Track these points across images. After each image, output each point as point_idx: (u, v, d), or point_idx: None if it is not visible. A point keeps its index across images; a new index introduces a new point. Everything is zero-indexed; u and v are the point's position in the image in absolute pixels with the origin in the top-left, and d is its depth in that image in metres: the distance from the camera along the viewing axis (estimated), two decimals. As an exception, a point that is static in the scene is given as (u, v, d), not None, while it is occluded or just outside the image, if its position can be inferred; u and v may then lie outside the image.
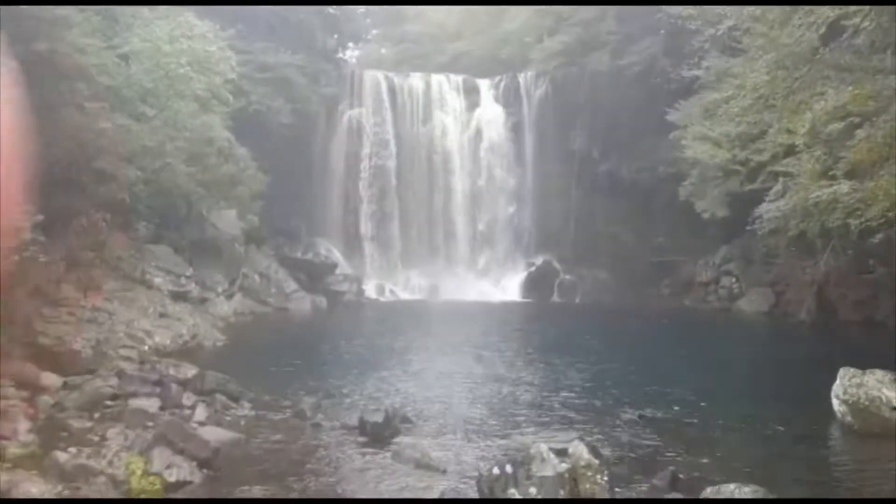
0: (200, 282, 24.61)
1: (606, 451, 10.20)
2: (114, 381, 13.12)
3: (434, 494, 8.80)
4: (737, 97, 21.46)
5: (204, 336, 20.07)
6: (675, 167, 30.09)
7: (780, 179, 22.16)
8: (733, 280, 31.68)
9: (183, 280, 23.47)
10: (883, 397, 11.43)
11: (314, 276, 32.28)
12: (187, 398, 12.49)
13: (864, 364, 12.16)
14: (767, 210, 22.15)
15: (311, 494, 8.88)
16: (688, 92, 29.16)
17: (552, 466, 8.29)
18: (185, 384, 13.33)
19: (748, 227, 24.32)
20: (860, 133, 15.47)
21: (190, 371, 14.26)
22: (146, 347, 17.07)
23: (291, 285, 30.54)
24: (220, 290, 25.68)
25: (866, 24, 14.41)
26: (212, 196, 26.13)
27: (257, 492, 8.85)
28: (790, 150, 20.93)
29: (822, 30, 14.64)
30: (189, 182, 23.72)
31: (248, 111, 30.69)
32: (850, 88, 15.39)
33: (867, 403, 11.55)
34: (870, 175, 15.68)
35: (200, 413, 11.77)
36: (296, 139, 34.68)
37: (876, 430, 11.32)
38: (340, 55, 42.71)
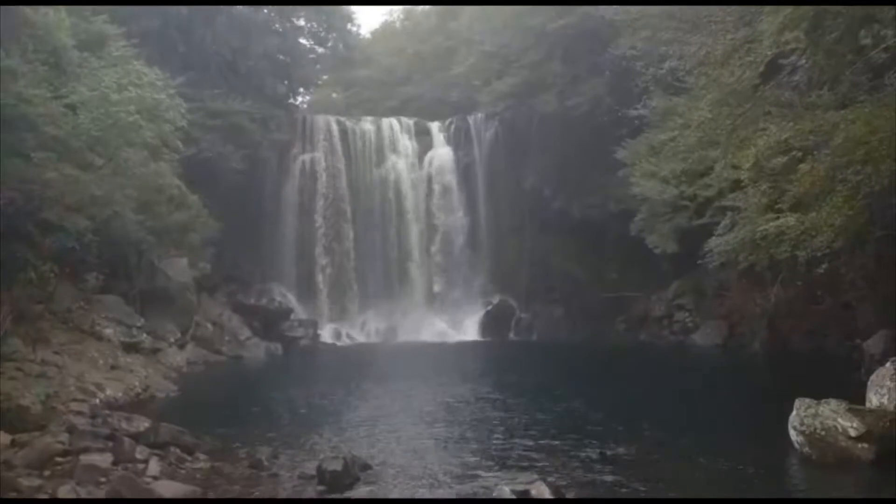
0: (152, 332, 24.11)
1: (570, 492, 10.18)
2: (64, 436, 12.74)
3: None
4: (682, 135, 22.05)
5: (157, 387, 19.67)
6: (624, 204, 30.55)
7: (728, 214, 22.58)
8: (687, 314, 32.11)
9: (134, 330, 22.98)
10: (839, 427, 11.61)
11: (268, 322, 31.87)
12: (140, 452, 12.15)
13: (818, 394, 12.35)
14: (717, 244, 22.55)
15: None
16: (635, 130, 29.76)
17: (516, 509, 8.23)
18: (137, 437, 12.95)
19: (699, 262, 24.73)
20: (803, 167, 15.91)
21: (143, 424, 13.85)
22: (97, 401, 16.67)
23: (245, 332, 30.09)
24: (172, 339, 25.17)
25: (803, 61, 14.98)
26: (162, 244, 25.72)
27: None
28: (736, 185, 21.39)
29: (762, 68, 15.13)
30: (139, 230, 23.31)
31: (199, 158, 30.39)
32: (791, 124, 15.86)
33: (823, 433, 11.72)
34: (814, 207, 16.10)
35: (154, 467, 11.45)
36: (248, 185, 34.47)
37: (833, 460, 11.50)
38: (291, 101, 42.74)
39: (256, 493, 10.79)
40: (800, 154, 16.51)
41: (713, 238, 23.00)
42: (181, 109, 24.12)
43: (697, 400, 18.45)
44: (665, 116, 26.27)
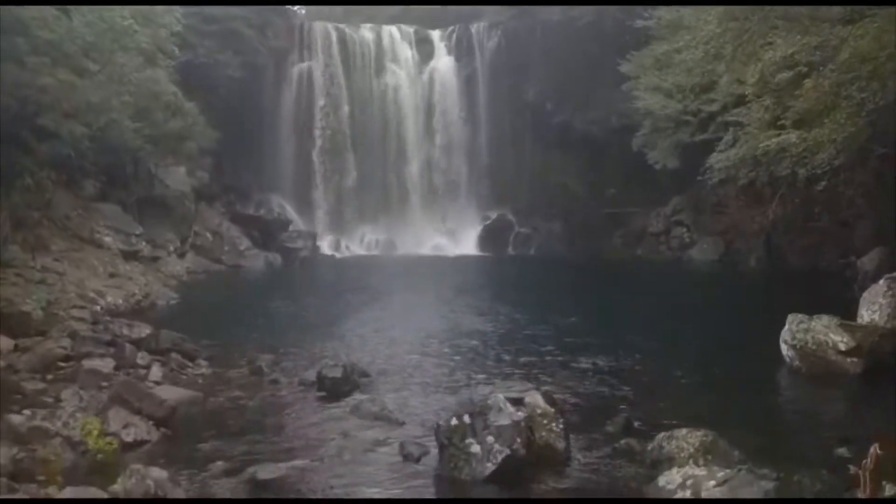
0: (151, 240, 24.22)
1: (562, 400, 10.41)
2: (66, 342, 12.96)
3: (393, 446, 8.92)
4: (688, 48, 21.58)
5: (157, 295, 19.85)
6: (627, 119, 30.18)
7: (731, 129, 22.35)
8: (684, 230, 32.20)
9: (133, 239, 23.07)
10: (829, 341, 11.83)
11: (267, 233, 31.93)
12: (142, 358, 12.38)
13: (811, 310, 12.53)
14: (718, 160, 22.41)
15: (268, 449, 8.90)
16: (640, 43, 29.14)
17: (509, 415, 8.42)
18: (139, 344, 13.18)
19: (699, 178, 24.62)
20: (808, 82, 15.66)
21: (144, 330, 14.09)
22: (98, 307, 16.84)
23: (245, 243, 30.18)
24: (171, 248, 25.30)
25: (815, -27, 14.55)
26: (160, 152, 25.56)
27: (215, 448, 8.86)
28: (740, 101, 21.09)
29: (772, -21, 14.73)
30: (136, 138, 23.11)
31: (195, 64, 29.89)
32: (798, 38, 15.52)
33: (814, 348, 11.94)
34: (816, 124, 15.94)
35: (156, 372, 11.70)
36: (245, 93, 33.94)
37: (822, 373, 11.74)
38: (289, 7, 41.72)
39: (257, 399, 11.05)
40: (805, 69, 16.22)
41: (714, 154, 22.85)
42: (176, 14, 23.59)
43: (692, 314, 18.71)
44: (672, 29, 25.65)
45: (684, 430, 8.28)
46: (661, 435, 8.38)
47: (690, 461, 7.80)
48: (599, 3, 31.62)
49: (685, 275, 28.13)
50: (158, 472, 7.40)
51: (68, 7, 18.45)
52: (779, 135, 17.53)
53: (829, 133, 15.31)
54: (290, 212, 35.78)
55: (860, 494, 5.34)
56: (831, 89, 14.67)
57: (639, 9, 28.40)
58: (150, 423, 9.15)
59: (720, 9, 16.49)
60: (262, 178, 36.28)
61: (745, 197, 26.89)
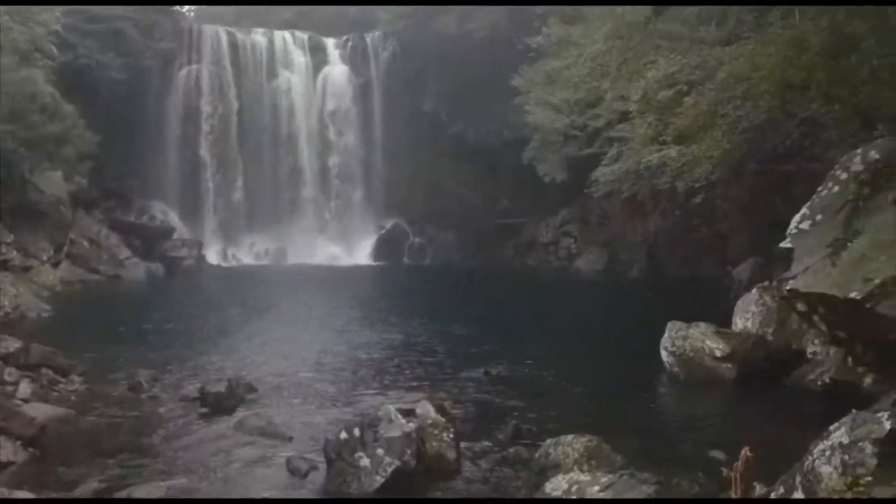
0: (23, 248, 22.88)
1: (454, 409, 10.44)
2: None
3: (279, 461, 8.69)
4: (576, 65, 22.24)
5: (27, 307, 18.74)
6: (518, 132, 30.82)
7: (615, 144, 23.17)
8: (572, 241, 33.14)
9: (3, 247, 21.76)
10: (706, 348, 12.32)
11: (150, 241, 30.76)
12: (10, 374, 11.57)
13: (690, 318, 12.99)
14: (603, 174, 23.17)
15: (145, 469, 8.52)
16: (532, 58, 29.84)
17: (399, 427, 8.37)
18: (6, 359, 12.30)
19: (585, 191, 25.39)
20: (688, 101, 16.37)
21: (12, 345, 13.14)
22: (-38, 320, 15.78)
23: (125, 251, 28.89)
24: (44, 257, 23.96)
25: (693, -3, 15.26)
26: (35, 156, 24.21)
27: (87, 468, 8.42)
28: (624, 117, 21.87)
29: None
30: (9, 141, 21.88)
31: (76, 65, 28.58)
32: (679, 58, 16.25)
33: (692, 354, 12.42)
34: (695, 140, 16.67)
35: (24, 389, 10.99)
36: (129, 96, 32.62)
37: (699, 379, 12.21)
38: (178, 8, 40.50)
39: (135, 416, 10.57)
40: (686, 88, 16.95)
41: (600, 167, 23.62)
42: (56, 12, 22.54)
43: (579, 323, 19.20)
44: (561, 45, 26.40)
45: (570, 437, 8.43)
46: (549, 441, 8.52)
47: (576, 467, 7.94)
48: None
49: (572, 284, 28.89)
50: (24, 495, 6.98)
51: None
52: (660, 150, 18.27)
53: (706, 149, 16.04)
54: (175, 219, 34.61)
55: (732, 496, 5.56)
56: (709, 107, 15.36)
57: (531, 25, 29.06)
58: (17, 443, 8.59)
59: (606, 27, 17.07)
60: (146, 183, 34.87)
61: (628, 209, 27.89)
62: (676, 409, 11.78)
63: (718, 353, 12.18)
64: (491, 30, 33.63)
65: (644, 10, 15.43)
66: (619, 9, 16.05)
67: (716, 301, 17.50)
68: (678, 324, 12.83)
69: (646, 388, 12.39)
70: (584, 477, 7.50)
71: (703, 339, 12.40)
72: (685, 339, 12.55)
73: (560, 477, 7.62)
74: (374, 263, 35.77)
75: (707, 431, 10.17)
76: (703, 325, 12.69)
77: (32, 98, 22.96)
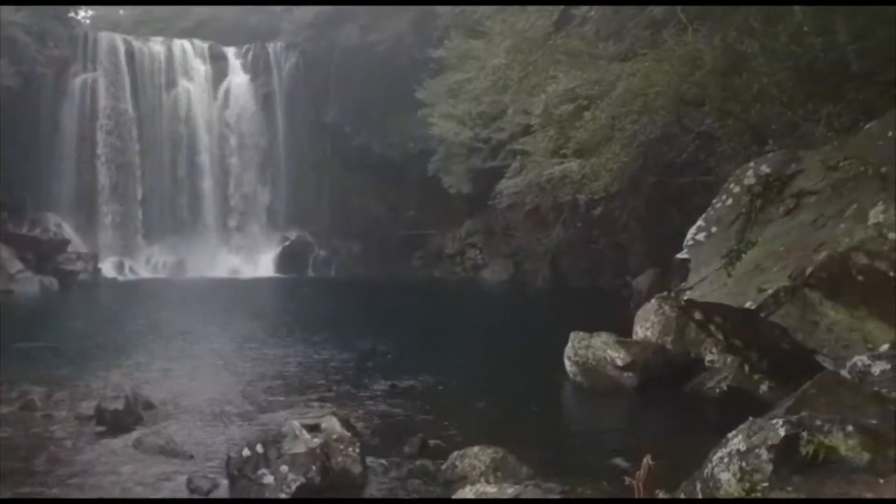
0: None
1: (360, 424, 10.34)
2: None
3: (180, 480, 8.41)
4: (478, 78, 22.57)
5: None
6: (423, 143, 31.04)
7: (518, 157, 23.58)
8: (477, 252, 33.51)
9: None
10: (608, 357, 12.55)
11: (42, 254, 29.44)
12: None
13: (592, 327, 13.25)
14: (507, 186, 23.56)
15: (38, 489, 8.12)
16: (435, 71, 30.08)
17: (304, 442, 8.24)
18: None
19: (490, 202, 25.72)
20: (587, 114, 16.83)
21: None
22: None
23: (17, 265, 27.59)
24: (-74, 271, 22.65)
25: (592, 13, 15.71)
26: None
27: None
28: (527, 130, 22.28)
29: (555, 16, 15.72)
30: None
31: (-39, 71, 27.16)
32: (579, 73, 16.69)
33: (594, 364, 12.64)
34: (595, 153, 17.15)
35: None
36: (20, 104, 31.21)
37: (602, 388, 12.43)
38: (72, 14, 38.91)
39: (28, 436, 10.05)
40: (585, 102, 17.44)
41: (503, 180, 23.98)
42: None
43: (484, 334, 19.38)
44: (463, 59, 26.72)
45: (476, 448, 8.47)
46: (455, 454, 8.53)
47: (482, 478, 7.99)
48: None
49: (478, 295, 29.19)
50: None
51: None
52: (561, 163, 18.73)
53: (605, 162, 16.52)
54: (69, 231, 33.25)
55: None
56: (607, 122, 15.85)
57: (435, 39, 29.32)
58: None
59: (508, 42, 17.37)
60: (39, 194, 33.43)
61: (531, 221, 28.42)
62: (580, 418, 12.00)
63: (620, 362, 12.42)
64: (394, 42, 33.77)
65: (545, 26, 15.84)
66: (519, 24, 16.37)
67: (617, 311, 17.97)
68: (581, 334, 13.06)
69: (550, 398, 12.59)
70: (491, 488, 7.54)
71: (604, 349, 12.66)
72: (588, 349, 12.78)
73: (467, 488, 7.64)
74: (277, 276, 35.22)
75: (610, 440, 10.41)
76: (604, 334, 12.93)
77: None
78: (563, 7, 15.56)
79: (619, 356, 12.52)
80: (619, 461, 8.70)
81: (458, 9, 25.53)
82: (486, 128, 26.99)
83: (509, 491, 7.37)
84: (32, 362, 14.64)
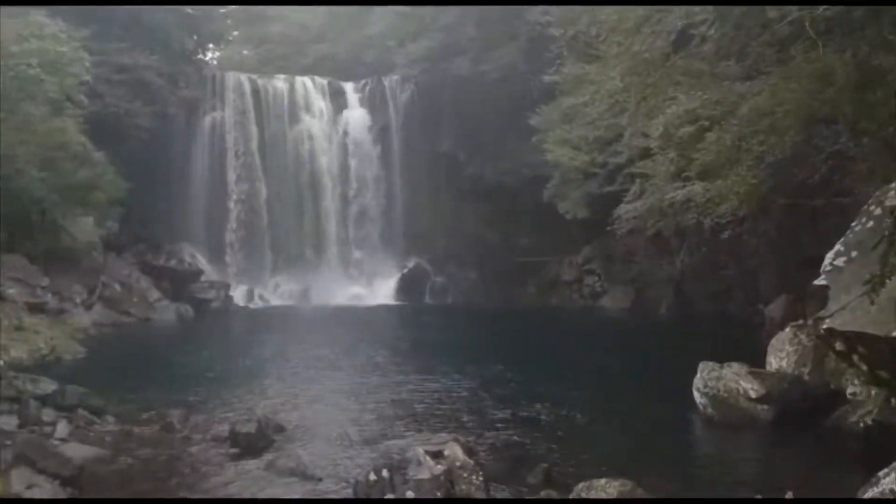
0: (57, 292, 23.26)
1: (482, 451, 10.39)
2: None
3: (311, 502, 8.71)
4: (593, 102, 22.33)
5: (63, 349, 18.98)
6: (537, 170, 30.90)
7: (637, 181, 23.09)
8: (596, 279, 32.92)
9: (39, 291, 22.11)
10: (740, 389, 12.07)
11: (178, 283, 31.02)
12: (47, 414, 11.87)
13: (721, 356, 12.82)
14: (626, 211, 23.07)
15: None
16: (548, 97, 30.02)
17: (428, 469, 8.36)
18: (44, 400, 12.66)
19: (608, 228, 25.30)
20: (710, 136, 16.38)
21: (49, 386, 13.55)
22: (1, 362, 16.09)
23: (155, 294, 29.20)
24: (78, 300, 24.35)
25: (712, 32, 15.35)
26: (67, 203, 24.72)
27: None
28: (645, 153, 21.84)
29: (672, 37, 15.44)
30: (42, 188, 22.43)
31: (105, 114, 29.15)
32: (700, 94, 16.28)
33: (726, 395, 12.17)
34: (719, 175, 16.63)
35: (62, 429, 11.18)
36: (156, 143, 33.19)
37: (734, 421, 11.94)
38: (200, 56, 41.29)
39: (168, 456, 10.64)
40: (707, 123, 16.95)
41: (622, 205, 23.54)
42: (85, 63, 23.10)
43: (606, 362, 19.04)
44: (577, 83, 26.48)
45: (603, 480, 8.30)
46: (581, 485, 8.38)
47: (609, 511, 7.86)
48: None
49: (598, 323, 28.67)
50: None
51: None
52: (684, 186, 18.21)
53: (731, 184, 15.97)
54: (202, 262, 34.92)
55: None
56: (732, 143, 15.35)
57: (547, 65, 29.31)
58: (56, 482, 8.70)
59: (623, 64, 17.16)
60: (174, 228, 35.35)
61: (653, 246, 27.74)
62: (712, 452, 11.57)
63: (753, 394, 11.94)
64: (506, 70, 33.94)
65: (662, 47, 15.58)
66: (635, 46, 16.15)
67: (747, 340, 17.29)
68: (710, 364, 12.63)
69: (679, 430, 12.21)
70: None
71: (736, 380, 12.19)
72: (718, 380, 12.33)
73: (594, 521, 7.53)
74: (396, 303, 35.75)
75: (745, 474, 9.99)
76: (735, 365, 12.48)
77: (64, 147, 23.52)
78: (680, 27, 15.25)
79: (752, 387, 12.04)
80: (755, 497, 8.35)
81: (570, 33, 25.40)
82: (603, 152, 26.61)
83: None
84: (171, 386, 15.50)
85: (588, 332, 26.22)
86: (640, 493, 8.13)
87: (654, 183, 20.94)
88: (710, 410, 12.36)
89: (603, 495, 8.10)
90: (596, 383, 16.02)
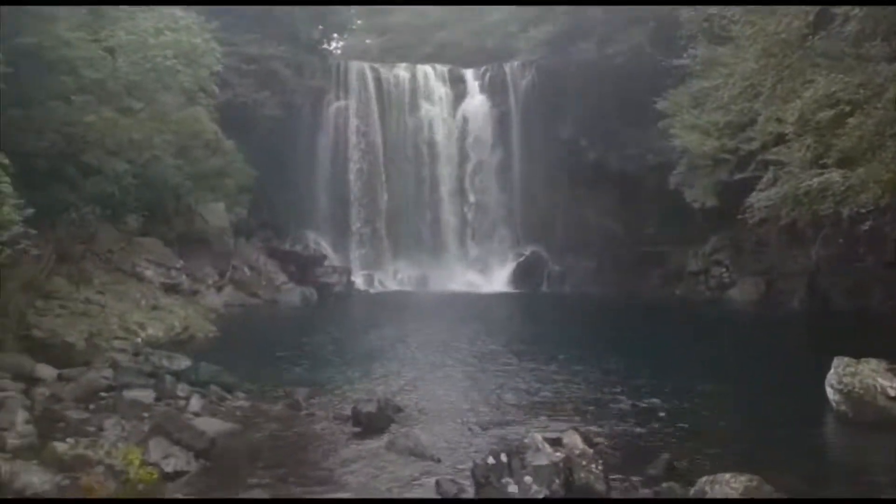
0: (191, 274, 24.59)
1: (601, 441, 10.23)
2: (108, 372, 13.32)
3: (429, 483, 8.83)
4: (725, 85, 21.45)
5: (196, 328, 20.04)
6: (663, 156, 30.04)
7: (771, 168, 22.07)
8: (724, 270, 31.69)
9: (174, 272, 23.41)
10: (878, 386, 11.48)
11: (303, 268, 32.14)
12: (182, 389, 12.56)
13: (856, 352, 12.21)
14: (758, 199, 22.04)
15: (306, 483, 8.86)
16: (676, 81, 29.09)
17: (546, 456, 8.31)
18: (179, 375, 13.44)
19: (739, 217, 24.29)
20: (851, 121, 15.45)
21: (183, 362, 14.38)
22: (139, 339, 17.15)
23: (281, 277, 30.44)
24: (210, 282, 25.67)
25: (856, 11, 14.43)
26: (200, 189, 26.00)
27: (254, 480, 8.85)
28: (780, 139, 20.82)
29: (812, 17, 14.64)
30: (177, 175, 23.63)
31: (235, 104, 30.44)
32: (841, 76, 15.35)
33: (862, 392, 11.60)
34: (860, 163, 15.68)
35: (195, 404, 11.80)
36: (282, 132, 34.43)
37: (870, 419, 11.38)
38: (325, 46, 42.38)
39: (294, 432, 11.05)
40: (848, 108, 15.98)
41: (754, 193, 22.54)
42: (217, 54, 24.03)
43: (733, 355, 18.37)
44: (709, 66, 25.53)
45: (728, 475, 8.05)
46: (704, 479, 8.16)
47: (735, 507, 7.59)
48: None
49: (725, 315, 27.62)
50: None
51: (113, 47, 18.99)
52: (821, 174, 17.23)
53: (873, 173, 15.03)
54: (326, 247, 36.02)
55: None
56: (876, 128, 14.43)
57: (675, 48, 28.38)
58: (190, 453, 9.19)
59: (758, 46, 16.40)
60: (299, 214, 36.63)
61: (786, 236, 26.47)
62: (845, 451, 10.99)
63: (892, 392, 11.35)
64: (632, 54, 33.07)
65: (800, 28, 14.79)
66: (772, 27, 15.39)
67: (886, 336, 16.31)
68: (845, 359, 12.04)
69: (810, 427, 11.69)
70: (745, 518, 7.15)
71: (874, 377, 11.57)
72: (854, 376, 11.74)
73: (718, 516, 7.29)
74: (512, 291, 35.69)
75: (881, 475, 9.43)
76: (874, 361, 11.88)
77: (197, 135, 24.68)
78: (820, 6, 14.43)
79: (891, 385, 11.44)
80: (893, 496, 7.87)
81: (702, 15, 24.47)
82: (734, 138, 25.52)
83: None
84: (296, 365, 16.13)
85: (714, 325, 25.30)
86: (767, 490, 7.83)
87: (789, 170, 19.94)
88: (843, 407, 11.79)
89: (728, 490, 7.86)
90: (722, 377, 15.46)
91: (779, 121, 19.62)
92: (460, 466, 9.35)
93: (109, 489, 7.33)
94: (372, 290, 34.72)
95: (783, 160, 20.46)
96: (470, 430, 11.38)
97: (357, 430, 11.12)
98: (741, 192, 23.99)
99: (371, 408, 11.42)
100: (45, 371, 12.87)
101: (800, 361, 16.29)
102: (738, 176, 25.59)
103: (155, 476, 8.29)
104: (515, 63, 40.14)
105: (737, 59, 19.06)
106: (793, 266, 27.18)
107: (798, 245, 26.18)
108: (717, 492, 7.92)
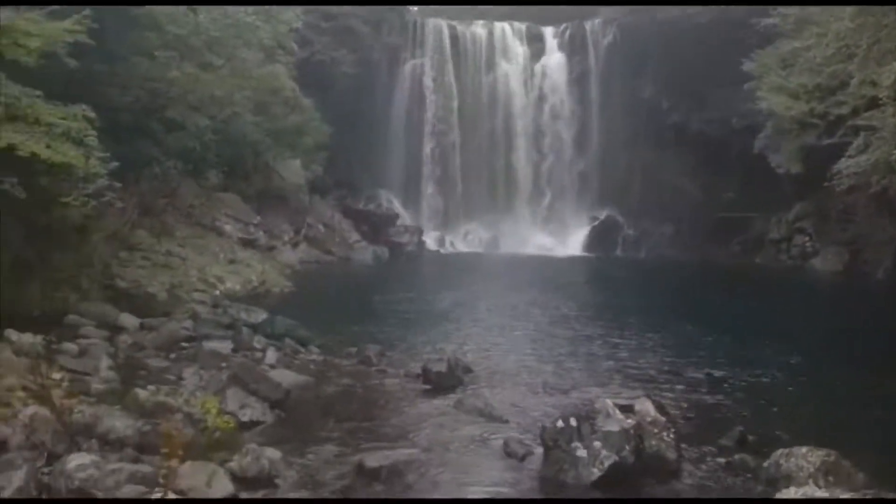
0: (268, 230, 25.12)
1: (673, 410, 10.07)
2: (188, 323, 13.77)
3: (497, 443, 8.85)
4: (817, 46, 20.54)
5: (272, 282, 20.51)
6: (748, 119, 29.08)
7: (862, 134, 21.14)
8: (807, 238, 30.63)
9: (251, 228, 23.98)
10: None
11: (376, 227, 32.51)
12: (258, 342, 12.88)
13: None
14: (847, 165, 21.22)
15: (375, 437, 9.00)
16: (764, 41, 27.98)
17: (617, 422, 8.21)
18: (255, 328, 13.81)
19: (826, 184, 23.40)
20: (952, 85, 14.66)
21: (260, 316, 14.73)
22: (218, 292, 17.67)
23: (354, 235, 30.85)
24: (286, 238, 26.19)
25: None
26: (278, 146, 26.39)
27: (325, 433, 9.05)
28: (873, 103, 19.90)
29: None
30: (256, 132, 24.01)
31: (312, 61, 30.68)
32: (943, 37, 14.54)
33: (950, 367, 11.13)
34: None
35: (271, 356, 12.07)
36: (358, 90, 34.53)
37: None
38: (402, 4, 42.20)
39: (365, 387, 11.25)
40: (948, 72, 15.17)
41: (843, 159, 21.65)
42: (296, 10, 24.20)
43: (814, 327, 17.77)
44: (799, 26, 24.49)
45: (804, 449, 7.81)
46: (779, 452, 7.94)
47: (810, 481, 7.37)
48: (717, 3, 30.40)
49: (807, 285, 26.74)
50: (272, 453, 7.67)
51: (195, 4, 19.30)
52: (916, 140, 16.46)
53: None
54: (398, 207, 36.23)
55: None
56: (980, 93, 13.64)
57: (762, 6, 27.24)
58: (266, 404, 9.43)
59: (854, 3, 15.61)
60: (373, 173, 36.79)
61: (874, 205, 25.38)
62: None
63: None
64: (718, 12, 31.89)
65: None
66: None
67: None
68: (934, 333, 11.53)
69: (894, 403, 11.23)
70: (821, 493, 6.95)
71: (965, 352, 11.05)
72: (943, 351, 11.24)
73: (792, 489, 7.11)
74: (585, 255, 35.26)
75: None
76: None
77: (276, 92, 25.00)
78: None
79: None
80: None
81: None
82: (824, 101, 24.51)
83: (843, 497, 6.73)
84: (368, 322, 16.38)
85: (795, 295, 24.51)
86: (846, 466, 7.59)
87: (882, 136, 19.10)
88: (931, 384, 11.28)
89: (804, 464, 7.64)
90: (802, 348, 14.97)
91: (873, 84, 18.74)
92: (528, 429, 9.35)
93: (187, 436, 7.58)
94: (443, 251, 34.86)
95: (875, 125, 19.62)
96: (539, 393, 11.35)
97: (427, 388, 11.23)
98: (829, 158, 23.08)
99: (441, 367, 11.50)
100: (128, 320, 13.34)
101: (884, 335, 15.69)
102: (826, 141, 24.65)
103: (232, 425, 8.52)
104: (597, 21, 39.18)
105: (830, 18, 18.21)
106: (880, 236, 26.07)
107: (887, 214, 25.07)
108: (793, 465, 7.71)
